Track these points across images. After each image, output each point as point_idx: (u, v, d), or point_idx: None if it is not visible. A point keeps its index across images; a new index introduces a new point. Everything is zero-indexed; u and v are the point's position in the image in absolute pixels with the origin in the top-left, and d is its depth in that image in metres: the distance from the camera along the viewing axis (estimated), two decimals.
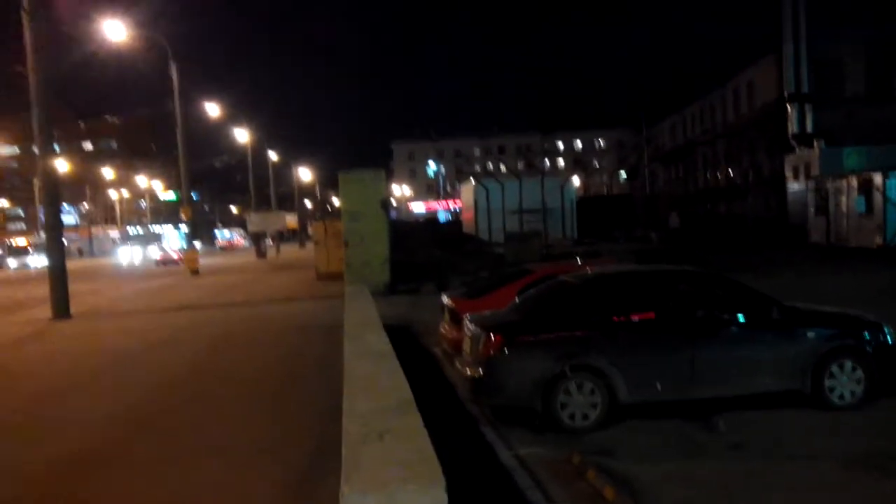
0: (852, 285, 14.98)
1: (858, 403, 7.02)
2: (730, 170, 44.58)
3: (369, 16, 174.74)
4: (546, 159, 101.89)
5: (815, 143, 30.46)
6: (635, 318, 7.07)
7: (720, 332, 7.11)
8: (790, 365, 7.03)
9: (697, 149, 48.97)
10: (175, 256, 43.27)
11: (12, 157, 75.18)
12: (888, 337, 7.30)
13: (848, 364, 7.06)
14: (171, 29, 52.22)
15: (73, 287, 18.00)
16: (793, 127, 31.91)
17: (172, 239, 79.39)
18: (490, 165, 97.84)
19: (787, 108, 32.35)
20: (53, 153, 18.58)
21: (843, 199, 28.74)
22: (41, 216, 29.02)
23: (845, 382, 7.05)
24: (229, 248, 75.65)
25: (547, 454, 6.07)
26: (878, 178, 26.48)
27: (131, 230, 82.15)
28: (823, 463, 5.66)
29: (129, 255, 51.75)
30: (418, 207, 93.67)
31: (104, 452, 6.77)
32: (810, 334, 7.13)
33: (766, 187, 36.22)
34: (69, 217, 66.08)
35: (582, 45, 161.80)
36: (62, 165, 42.08)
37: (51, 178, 18.05)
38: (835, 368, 7.04)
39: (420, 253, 20.09)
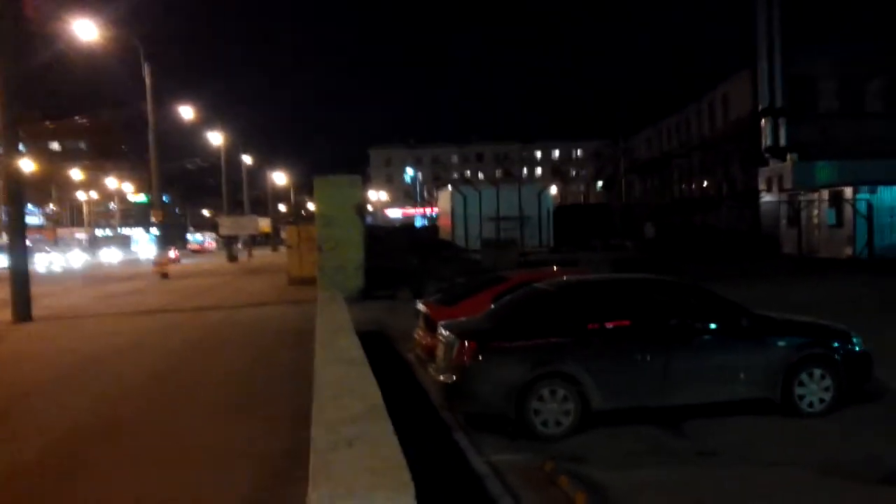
0: (822, 295, 15.20)
1: (827, 411, 7.09)
2: (705, 181, 45.14)
3: (349, 21, 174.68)
4: (524, 168, 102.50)
5: (789, 157, 30.96)
6: (609, 325, 7.07)
7: (693, 340, 7.14)
8: (761, 373, 7.08)
9: (673, 161, 49.54)
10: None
11: None
12: (856, 346, 7.41)
13: (817, 372, 7.13)
14: (145, 29, 51.49)
15: (36, 289, 17.60)
16: (766, 140, 32.40)
17: (143, 242, 78.24)
18: (468, 173, 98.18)
19: (761, 122, 32.84)
20: (18, 153, 18.20)
21: (815, 211, 29.26)
22: (3, 216, 28.41)
23: (815, 390, 7.11)
24: (201, 251, 74.66)
25: (520, 461, 6.03)
26: (848, 192, 27.02)
27: (99, 232, 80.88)
28: (795, 469, 5.69)
29: (49, 261, 46.22)
30: (395, 213, 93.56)
31: (64, 459, 6.59)
32: (781, 343, 7.20)
33: (740, 199, 36.71)
34: (34, 218, 64.85)
35: (562, 56, 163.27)
36: (27, 165, 41.19)
37: (14, 178, 17.67)
38: (804, 377, 7.11)
39: (396, 259, 20.00)
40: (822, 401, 7.10)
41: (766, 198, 32.62)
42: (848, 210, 27.09)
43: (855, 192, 26.73)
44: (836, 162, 27.93)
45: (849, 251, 26.35)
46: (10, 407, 8.69)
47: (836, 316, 8.60)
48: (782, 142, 31.62)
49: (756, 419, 6.99)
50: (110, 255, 57.08)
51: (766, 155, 32.54)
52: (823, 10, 30.44)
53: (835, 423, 6.89)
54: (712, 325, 7.22)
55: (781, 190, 30.89)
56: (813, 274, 21.34)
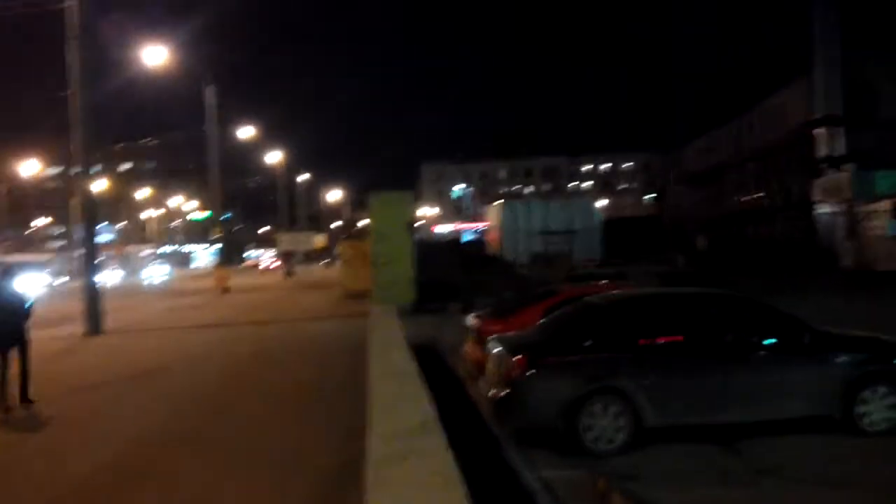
0: (883, 310, 14.67)
1: (891, 430, 6.85)
2: (758, 193, 44.05)
3: (401, 39, 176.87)
4: (572, 181, 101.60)
5: (846, 167, 30.04)
6: (662, 340, 7.02)
7: (750, 356, 7.02)
8: (821, 390, 6.91)
9: (725, 171, 48.50)
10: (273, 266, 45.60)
11: (53, 178, 77.39)
12: None
13: (881, 390, 6.91)
14: (207, 52, 53.39)
15: (105, 304, 18.35)
16: (823, 150, 31.51)
17: (203, 258, 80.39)
18: (517, 187, 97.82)
19: (817, 132, 31.97)
20: (92, 175, 19.08)
21: (875, 222, 28.25)
22: (75, 235, 29.68)
23: (878, 408, 6.89)
24: (256, 268, 76.30)
25: (571, 477, 6.02)
26: None
27: (163, 249, 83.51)
28: (854, 490, 5.56)
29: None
30: (444, 228, 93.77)
31: (136, 463, 6.89)
32: (842, 359, 7.02)
33: (795, 211, 35.71)
34: (105, 235, 67.44)
35: (611, 66, 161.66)
36: (100, 186, 42.97)
37: (89, 198, 18.54)
38: (867, 394, 6.90)
39: (446, 273, 20.12)
40: (885, 419, 6.88)
41: (823, 209, 31.67)
42: None
43: None
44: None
45: None
46: (80, 415, 9.09)
47: None
48: (840, 151, 30.70)
49: (816, 438, 6.81)
50: (110, 276, 43.13)
51: (823, 165, 31.63)
52: (882, 14, 29.55)
53: None
54: (769, 341, 7.08)
55: (839, 201, 29.96)
56: (872, 287, 20.61)
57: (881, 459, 6.29)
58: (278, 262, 76.34)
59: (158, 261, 50.48)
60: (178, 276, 52.52)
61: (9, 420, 8.63)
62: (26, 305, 9.22)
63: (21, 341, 9.05)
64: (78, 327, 17.59)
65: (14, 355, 8.97)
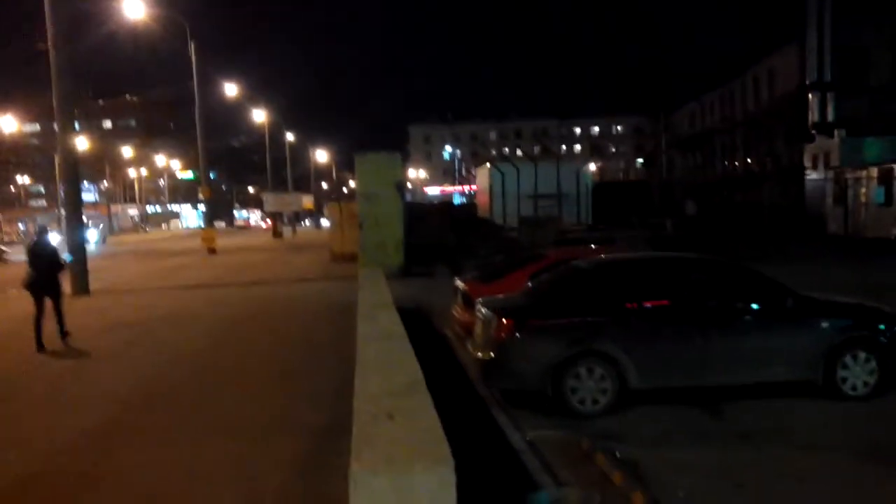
0: (869, 276, 14.85)
1: (872, 394, 7.00)
2: (748, 159, 44.12)
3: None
4: (563, 144, 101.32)
5: (836, 133, 30.04)
6: (648, 304, 7.07)
7: (734, 320, 7.10)
8: (803, 354, 7.01)
9: (716, 137, 48.47)
10: (265, 226, 44.63)
11: (33, 135, 76.11)
12: None
13: (861, 355, 7.03)
14: (191, 7, 52.36)
15: (90, 264, 18.20)
16: (813, 116, 31.48)
17: (190, 217, 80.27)
18: (506, 150, 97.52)
19: (808, 97, 31.89)
20: (73, 131, 18.73)
21: (863, 189, 28.43)
22: (61, 193, 29.33)
23: (858, 373, 7.02)
24: (247, 227, 76.58)
25: (557, 437, 6.11)
26: None
27: (150, 208, 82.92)
28: (834, 453, 5.66)
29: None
30: (433, 191, 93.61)
31: (125, 423, 6.91)
32: (824, 324, 7.11)
33: (784, 177, 35.84)
34: (89, 195, 66.80)
35: (603, 30, 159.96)
36: (82, 143, 42.38)
37: (70, 155, 18.20)
38: (848, 359, 7.01)
39: (435, 236, 20.11)
40: (866, 384, 7.01)
41: (812, 175, 31.81)
42: None
43: None
44: (886, 138, 27.01)
45: None
46: (74, 373, 9.11)
47: (884, 298, 8.43)
48: (830, 117, 30.69)
49: (798, 402, 6.94)
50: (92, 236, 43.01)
51: (813, 131, 31.63)
52: None
53: (879, 407, 6.81)
54: (754, 306, 7.15)
55: (828, 167, 30.06)
56: (859, 254, 20.81)
57: (861, 423, 6.41)
58: (260, 222, 77.18)
59: (91, 222, 48.49)
60: (113, 241, 50.58)
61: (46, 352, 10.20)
62: (60, 259, 11.00)
63: (56, 289, 10.77)
64: (64, 287, 17.43)
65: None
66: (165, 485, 5.38)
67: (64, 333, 10.74)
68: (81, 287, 17.15)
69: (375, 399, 4.12)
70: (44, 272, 10.57)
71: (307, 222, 76.08)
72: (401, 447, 3.25)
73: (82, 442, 6.39)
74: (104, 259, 29.05)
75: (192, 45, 30.08)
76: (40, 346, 10.25)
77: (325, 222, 55.70)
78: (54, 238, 13.31)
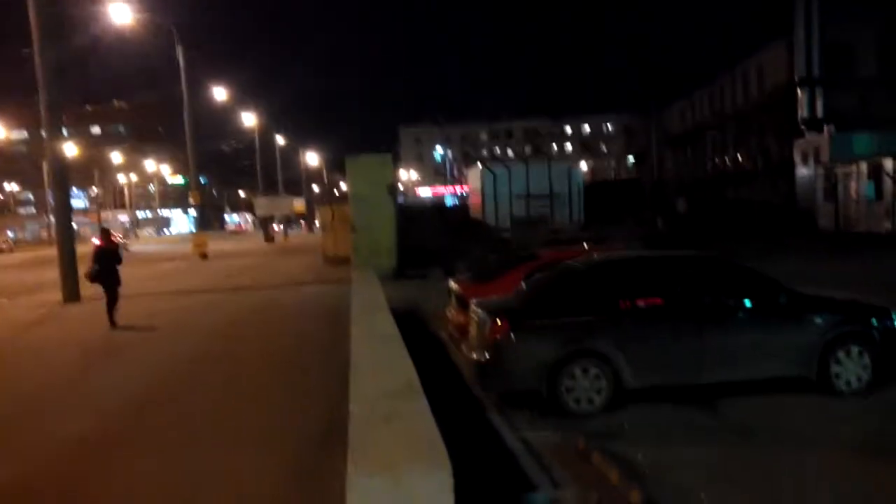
0: (861, 271, 14.93)
1: (865, 389, 7.01)
2: (738, 155, 44.29)
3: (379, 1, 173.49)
4: (554, 144, 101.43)
5: (825, 128, 30.19)
6: (641, 303, 7.07)
7: (727, 317, 7.11)
8: (797, 350, 7.02)
9: (706, 133, 48.65)
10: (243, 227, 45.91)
11: (21, 142, 75.61)
12: None
13: (855, 350, 7.04)
14: (179, 12, 52.14)
15: (82, 270, 18.07)
16: (803, 111, 31.64)
17: (181, 223, 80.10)
18: (497, 150, 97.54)
19: (797, 92, 32.03)
20: (61, 137, 18.62)
21: (853, 184, 28.58)
22: (51, 200, 29.17)
23: (852, 368, 7.04)
24: (238, 232, 76.37)
25: (553, 438, 6.10)
26: (888, 164, 26.32)
27: (140, 214, 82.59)
28: (829, 449, 5.68)
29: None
30: (425, 192, 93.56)
31: (118, 433, 6.86)
32: (817, 320, 7.11)
33: (775, 172, 36.00)
34: (78, 201, 66.56)
35: (591, 28, 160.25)
36: (70, 149, 42.22)
37: (59, 162, 18.11)
38: (841, 354, 7.03)
39: (427, 237, 20.08)
40: (859, 379, 7.02)
41: (802, 171, 31.95)
42: (888, 183, 26.41)
43: (895, 163, 26.03)
44: (875, 133, 27.18)
45: (888, 225, 25.74)
46: (65, 381, 9.04)
47: (876, 293, 8.46)
48: (819, 113, 30.86)
49: (793, 398, 6.94)
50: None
51: (802, 126, 31.79)
52: None
53: (873, 402, 6.82)
54: (747, 302, 7.16)
55: (818, 162, 30.21)
56: (850, 249, 20.90)
57: (856, 419, 6.42)
58: (249, 225, 77.74)
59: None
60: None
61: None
62: (119, 254, 13.51)
63: (116, 280, 12.90)
64: (54, 295, 17.35)
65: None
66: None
67: (113, 322, 12.69)
68: (72, 294, 17.05)
69: (371, 402, 4.11)
70: (107, 266, 12.73)
71: (300, 225, 75.90)
72: (398, 451, 3.23)
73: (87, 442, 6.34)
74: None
75: (181, 50, 29.96)
76: (112, 323, 12.63)
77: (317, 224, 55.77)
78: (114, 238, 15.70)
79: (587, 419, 6.58)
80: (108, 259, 12.90)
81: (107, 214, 76.60)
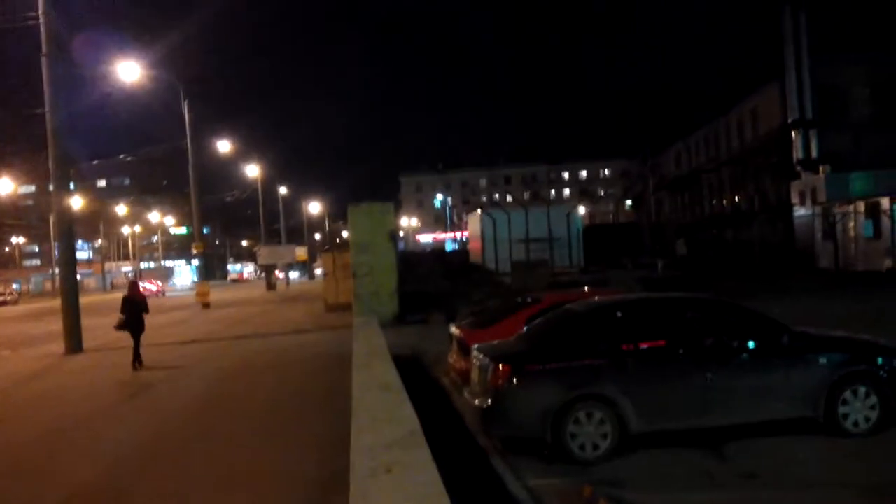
0: (863, 310, 14.85)
1: (873, 430, 6.92)
2: (735, 197, 44.56)
3: (378, 53, 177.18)
4: (552, 189, 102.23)
5: (821, 169, 30.46)
6: (644, 346, 7.03)
7: (731, 359, 7.06)
8: (803, 391, 6.95)
9: (702, 176, 49.03)
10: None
11: (28, 195, 76.46)
12: None
13: (861, 390, 6.97)
14: (184, 67, 53.21)
15: (85, 322, 18.08)
16: (798, 153, 31.95)
17: (185, 273, 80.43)
18: (497, 196, 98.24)
19: (791, 135, 32.41)
20: (68, 191, 18.85)
21: (851, 223, 28.68)
22: (56, 252, 29.35)
23: (859, 409, 6.95)
24: (240, 280, 76.89)
25: (558, 485, 6.01)
26: (885, 202, 26.44)
27: (144, 265, 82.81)
28: (838, 491, 5.59)
29: None
30: (426, 238, 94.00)
31: (120, 484, 6.76)
32: (822, 360, 7.06)
33: (773, 213, 36.16)
34: (83, 253, 66.86)
35: (587, 75, 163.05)
36: (76, 202, 42.70)
37: (65, 215, 18.31)
38: (848, 394, 6.95)
39: (428, 283, 20.10)
40: (867, 419, 6.94)
41: (800, 211, 32.09)
42: (885, 221, 26.50)
43: (892, 202, 26.16)
44: (870, 172, 27.39)
45: (888, 263, 25.71)
46: (62, 435, 8.95)
47: (879, 332, 8.42)
48: (814, 154, 31.16)
49: (800, 440, 6.84)
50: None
51: (798, 168, 32.08)
52: (851, 18, 30.10)
53: (881, 443, 6.73)
54: (750, 343, 7.12)
55: (815, 203, 30.36)
56: (851, 288, 20.86)
57: (865, 460, 6.33)
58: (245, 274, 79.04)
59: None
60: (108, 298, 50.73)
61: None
62: (145, 304, 14.12)
63: (142, 326, 13.82)
64: (57, 346, 17.29)
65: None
66: None
67: (136, 364, 13.59)
68: (75, 345, 17.00)
69: (372, 451, 4.06)
70: (135, 314, 13.61)
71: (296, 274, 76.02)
72: (400, 502, 3.19)
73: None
74: (97, 316, 28.79)
75: (186, 105, 30.51)
76: (137, 364, 13.60)
77: (318, 272, 55.88)
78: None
79: (593, 465, 6.48)
80: (136, 308, 13.72)
81: (110, 265, 76.85)
